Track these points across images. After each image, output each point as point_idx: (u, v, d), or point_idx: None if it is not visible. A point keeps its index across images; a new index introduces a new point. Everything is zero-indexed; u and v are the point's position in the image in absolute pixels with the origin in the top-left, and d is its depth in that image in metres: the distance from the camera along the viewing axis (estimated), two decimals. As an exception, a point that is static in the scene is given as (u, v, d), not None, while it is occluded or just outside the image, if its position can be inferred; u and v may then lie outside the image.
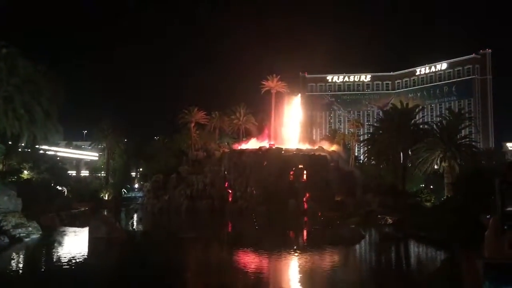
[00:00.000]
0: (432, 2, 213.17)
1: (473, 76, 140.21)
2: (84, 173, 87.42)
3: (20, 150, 52.94)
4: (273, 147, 65.93)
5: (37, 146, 53.93)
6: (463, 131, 57.39)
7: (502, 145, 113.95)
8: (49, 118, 46.89)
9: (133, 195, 79.63)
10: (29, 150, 53.82)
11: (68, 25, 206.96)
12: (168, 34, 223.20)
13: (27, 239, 30.87)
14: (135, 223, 49.59)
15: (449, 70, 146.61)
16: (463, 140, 52.88)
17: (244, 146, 71.58)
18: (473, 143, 56.68)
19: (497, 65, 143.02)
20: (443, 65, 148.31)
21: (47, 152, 59.76)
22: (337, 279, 21.30)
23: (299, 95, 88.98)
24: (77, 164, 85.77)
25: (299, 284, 19.97)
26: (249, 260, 25.39)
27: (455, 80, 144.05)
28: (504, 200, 4.03)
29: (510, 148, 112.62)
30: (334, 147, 75.29)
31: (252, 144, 70.68)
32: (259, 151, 64.28)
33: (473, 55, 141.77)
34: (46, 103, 45.76)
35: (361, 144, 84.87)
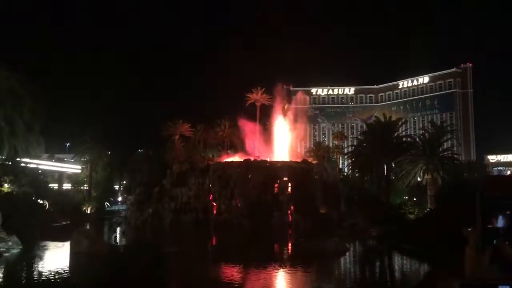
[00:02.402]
0: (414, 16, 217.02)
1: (455, 90, 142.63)
2: (67, 186, 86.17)
3: (0, 163, 52.07)
4: (258, 160, 65.91)
5: (18, 159, 53.09)
6: (445, 143, 58.18)
7: (484, 157, 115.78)
8: (30, 130, 46.33)
9: (117, 208, 78.62)
10: (10, 163, 52.93)
11: (52, 36, 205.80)
12: (153, 46, 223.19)
13: (7, 254, 30.24)
14: (118, 237, 48.97)
15: (431, 84, 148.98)
16: (445, 153, 53.61)
17: (229, 159, 71.39)
18: (455, 156, 57.52)
19: (478, 79, 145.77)
20: (425, 79, 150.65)
21: (28, 165, 58.85)
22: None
23: (287, 105, 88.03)
24: (59, 177, 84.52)
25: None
26: (233, 275, 25.20)
27: (436, 93, 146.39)
28: (485, 215, 4.01)
29: (491, 161, 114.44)
30: (318, 160, 75.53)
31: (237, 158, 70.51)
32: (244, 163, 64.18)
33: (454, 69, 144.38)
34: (27, 115, 45.21)
35: (345, 157, 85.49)
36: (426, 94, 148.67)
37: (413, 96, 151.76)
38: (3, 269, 27.32)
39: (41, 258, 30.43)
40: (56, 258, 30.87)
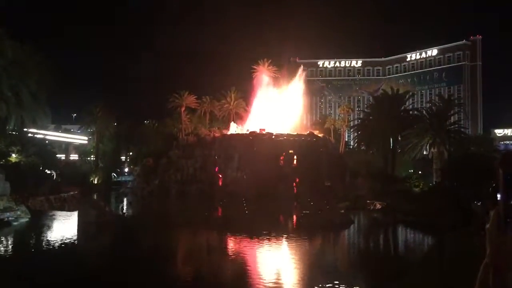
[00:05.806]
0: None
1: (463, 63, 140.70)
2: (74, 157, 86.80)
3: (7, 133, 52.27)
4: (263, 132, 65.79)
5: (25, 130, 53.28)
6: (452, 117, 57.75)
7: (491, 131, 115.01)
8: (37, 100, 46.24)
9: (123, 179, 79.28)
10: (17, 133, 53.17)
11: (57, 6, 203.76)
12: (158, 17, 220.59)
13: (15, 223, 30.69)
14: (125, 208, 49.54)
15: (440, 56, 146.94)
16: (452, 126, 53.27)
17: (235, 131, 71.29)
18: (462, 129, 57.12)
19: (487, 52, 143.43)
20: (433, 51, 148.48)
21: (35, 136, 59.16)
22: (326, 263, 21.48)
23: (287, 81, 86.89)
24: (66, 147, 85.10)
25: (290, 268, 20.11)
26: (239, 245, 25.49)
27: (445, 66, 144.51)
28: (508, 192, 3.88)
29: (498, 135, 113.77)
30: (324, 133, 75.38)
31: (243, 130, 70.35)
32: (250, 136, 64.12)
33: (464, 41, 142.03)
34: (34, 85, 45.06)
35: (351, 130, 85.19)
36: (434, 67, 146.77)
37: (421, 68, 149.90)
38: (12, 238, 27.80)
39: (49, 228, 30.85)
40: (64, 227, 31.30)
